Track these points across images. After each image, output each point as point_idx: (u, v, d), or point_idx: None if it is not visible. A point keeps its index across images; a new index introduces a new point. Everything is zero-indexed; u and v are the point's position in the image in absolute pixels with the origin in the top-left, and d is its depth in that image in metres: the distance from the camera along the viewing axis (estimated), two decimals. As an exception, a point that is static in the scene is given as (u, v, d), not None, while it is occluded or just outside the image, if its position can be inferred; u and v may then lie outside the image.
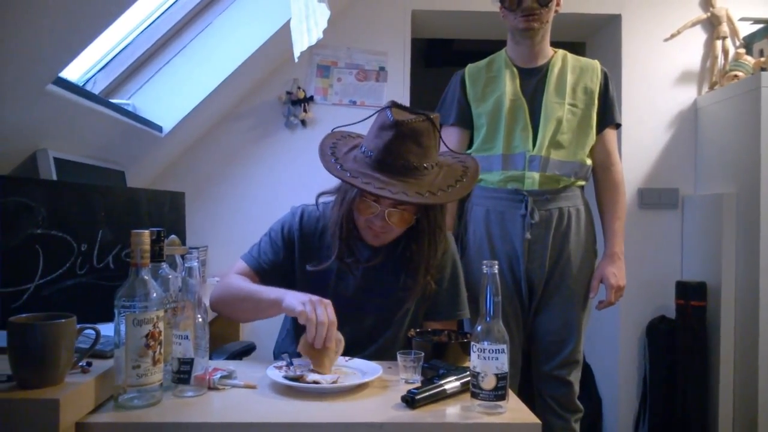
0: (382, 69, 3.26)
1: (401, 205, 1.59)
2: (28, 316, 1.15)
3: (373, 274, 1.72)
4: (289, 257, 1.74)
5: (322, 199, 1.74)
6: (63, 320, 1.13)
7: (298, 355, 1.53)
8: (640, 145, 3.26)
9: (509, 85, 2.25)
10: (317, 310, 1.44)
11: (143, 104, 2.72)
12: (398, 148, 1.55)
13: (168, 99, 2.74)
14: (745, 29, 3.20)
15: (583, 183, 2.31)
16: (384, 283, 1.72)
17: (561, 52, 2.33)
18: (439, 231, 1.70)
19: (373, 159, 1.58)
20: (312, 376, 1.36)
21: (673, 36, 3.25)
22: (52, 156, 1.98)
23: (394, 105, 1.60)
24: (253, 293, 1.62)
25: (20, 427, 1.05)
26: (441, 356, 1.48)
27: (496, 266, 1.25)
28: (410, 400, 1.23)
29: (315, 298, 1.48)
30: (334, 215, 1.69)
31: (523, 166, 2.21)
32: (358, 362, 1.50)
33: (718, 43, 3.22)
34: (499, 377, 1.20)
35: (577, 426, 2.30)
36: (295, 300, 1.48)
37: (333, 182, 1.71)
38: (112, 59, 2.59)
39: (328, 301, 1.47)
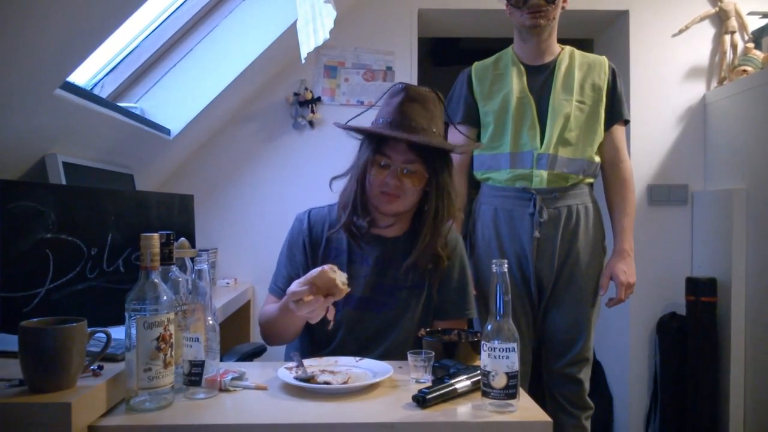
0: (389, 68, 3.26)
1: (412, 162, 1.66)
2: (39, 321, 1.16)
3: (383, 272, 1.75)
4: (307, 262, 1.78)
5: (333, 185, 1.78)
6: (74, 324, 1.14)
7: (308, 355, 1.54)
8: (649, 141, 3.25)
9: (516, 83, 2.25)
10: (301, 306, 1.48)
11: (151, 107, 2.73)
12: (408, 109, 1.67)
13: (176, 102, 2.75)
14: (754, 24, 3.18)
15: (591, 180, 2.30)
16: (394, 280, 1.74)
17: (568, 48, 2.32)
18: (448, 196, 1.72)
19: (384, 122, 1.69)
20: (323, 377, 1.36)
21: (681, 31, 3.24)
22: (61, 160, 1.99)
23: (399, 83, 1.75)
24: (271, 317, 1.70)
25: (33, 431, 1.05)
26: (451, 355, 1.48)
27: (506, 265, 1.25)
28: (421, 400, 1.23)
29: (288, 296, 1.52)
30: (346, 187, 1.76)
31: (531, 164, 2.20)
32: (368, 362, 1.50)
33: (727, 38, 3.20)
34: (510, 376, 1.20)
35: (587, 423, 2.29)
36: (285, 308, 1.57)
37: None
38: (119, 63, 2.60)
39: (297, 285, 1.50)
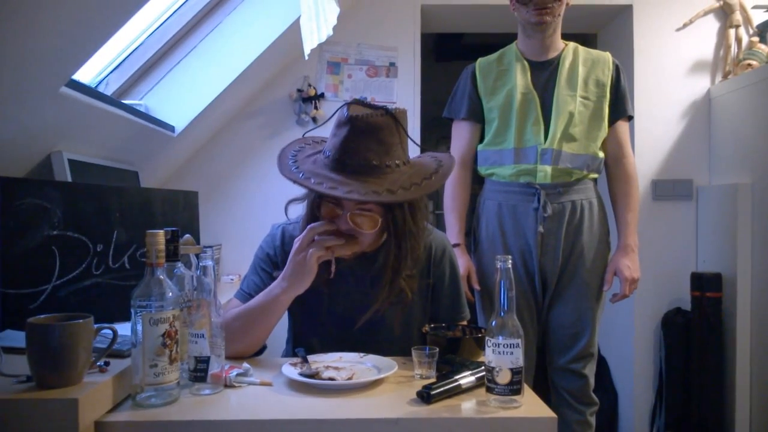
0: (392, 65, 3.26)
1: (361, 205, 1.48)
2: (46, 317, 1.16)
3: (366, 288, 1.63)
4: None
5: (291, 207, 1.67)
6: (81, 320, 1.14)
7: (311, 352, 1.54)
8: (653, 136, 3.24)
9: (520, 79, 2.25)
10: (298, 256, 1.47)
11: (155, 104, 2.74)
12: (355, 145, 1.45)
13: (180, 99, 2.76)
14: (759, 17, 3.17)
15: (595, 176, 2.30)
16: (377, 296, 1.60)
17: (572, 44, 2.32)
18: (409, 234, 1.55)
19: (330, 159, 1.48)
20: (327, 373, 1.36)
21: (685, 25, 3.23)
22: (66, 158, 2.00)
23: (353, 102, 1.52)
24: (251, 307, 1.56)
25: (40, 426, 1.06)
26: (455, 351, 1.49)
27: (510, 261, 1.25)
28: (425, 396, 1.23)
29: (290, 262, 1.49)
30: (302, 222, 1.62)
31: (535, 160, 2.20)
32: (373, 358, 1.50)
33: (731, 32, 3.19)
34: (514, 372, 1.20)
35: (592, 419, 2.29)
36: (286, 281, 1.51)
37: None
38: (123, 60, 2.61)
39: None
